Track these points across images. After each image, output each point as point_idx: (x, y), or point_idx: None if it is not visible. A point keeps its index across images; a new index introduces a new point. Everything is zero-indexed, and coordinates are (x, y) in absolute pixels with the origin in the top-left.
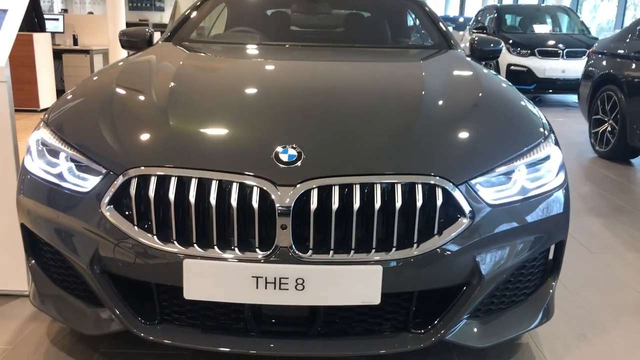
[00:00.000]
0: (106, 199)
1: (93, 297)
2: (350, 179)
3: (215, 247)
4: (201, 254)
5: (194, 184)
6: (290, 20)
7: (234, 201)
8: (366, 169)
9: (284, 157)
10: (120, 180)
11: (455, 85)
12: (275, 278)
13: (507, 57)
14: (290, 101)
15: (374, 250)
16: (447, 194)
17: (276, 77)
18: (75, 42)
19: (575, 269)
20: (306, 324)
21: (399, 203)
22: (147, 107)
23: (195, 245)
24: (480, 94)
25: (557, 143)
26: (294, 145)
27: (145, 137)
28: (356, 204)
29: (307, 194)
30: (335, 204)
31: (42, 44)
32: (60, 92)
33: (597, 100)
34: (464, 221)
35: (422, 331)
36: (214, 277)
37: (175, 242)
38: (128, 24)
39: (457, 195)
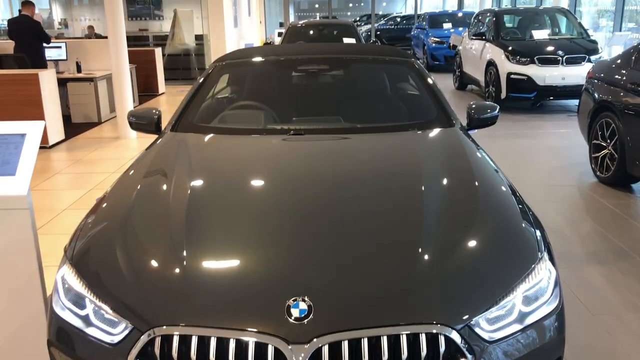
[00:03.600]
0: (134, 354)
1: None
2: (359, 333)
3: None
4: None
5: (213, 344)
6: (292, 93)
7: (250, 359)
8: (373, 322)
9: (295, 312)
10: (145, 338)
11: (454, 198)
12: None
13: (506, 66)
14: (299, 238)
15: None
16: (447, 340)
17: (281, 201)
18: (79, 69)
19: (577, 336)
20: None
21: (405, 354)
22: (165, 250)
23: None
24: (478, 210)
25: (551, 255)
26: (305, 298)
27: (165, 292)
28: (365, 359)
29: (319, 350)
30: (345, 359)
31: (47, 82)
32: (66, 118)
33: (596, 125)
34: None
35: None
36: None
37: None
38: (129, 37)
39: (458, 338)
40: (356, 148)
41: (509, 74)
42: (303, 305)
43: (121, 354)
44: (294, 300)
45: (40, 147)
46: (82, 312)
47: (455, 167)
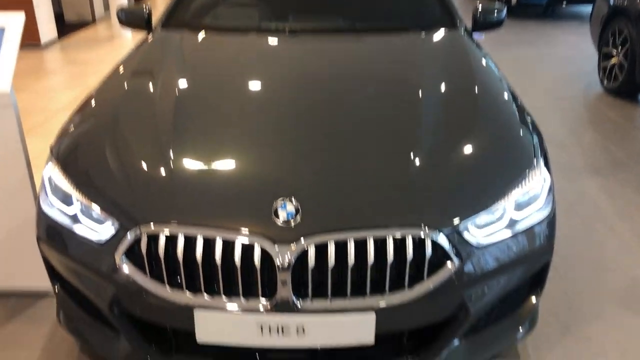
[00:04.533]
0: (120, 252)
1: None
2: (345, 235)
3: (223, 297)
4: (210, 304)
5: (200, 243)
6: None
7: (237, 259)
8: (360, 223)
9: (283, 214)
10: (132, 236)
11: (452, 103)
12: (278, 326)
13: None
14: (289, 139)
15: (369, 298)
16: (434, 243)
17: (273, 102)
18: None
19: (568, 244)
20: (309, 352)
21: (390, 257)
22: (152, 148)
23: (204, 296)
24: (475, 116)
25: (546, 162)
26: (292, 200)
27: (151, 190)
28: (351, 260)
29: (305, 251)
30: (331, 260)
31: None
32: (59, 17)
33: (608, 32)
34: (452, 266)
35: (414, 357)
36: (223, 325)
37: (186, 293)
38: None
39: (446, 242)
40: (354, 49)
41: None
42: (290, 207)
43: (108, 251)
44: (281, 201)
45: (32, 46)
46: (70, 211)
47: (456, 71)
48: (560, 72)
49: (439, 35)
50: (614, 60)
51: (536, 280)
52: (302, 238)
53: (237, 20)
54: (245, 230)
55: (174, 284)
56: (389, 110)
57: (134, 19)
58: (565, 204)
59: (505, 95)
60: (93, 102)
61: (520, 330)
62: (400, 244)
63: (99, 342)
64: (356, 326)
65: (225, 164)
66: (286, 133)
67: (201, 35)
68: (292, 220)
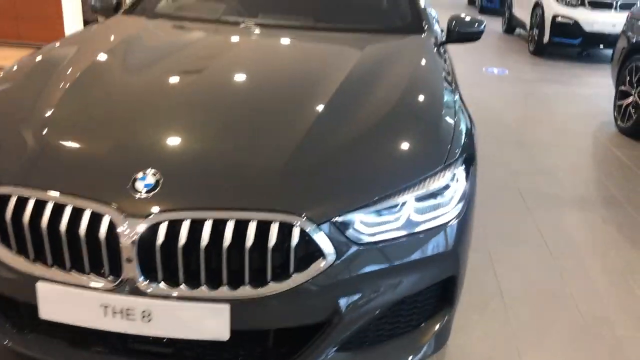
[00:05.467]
0: None
1: None
2: (202, 214)
3: (69, 272)
4: (52, 276)
5: (48, 209)
6: None
7: (82, 229)
8: (221, 204)
9: (140, 186)
10: None
11: (369, 100)
12: (122, 308)
13: (553, 7)
14: (168, 117)
15: (224, 287)
16: (304, 234)
17: (173, 87)
18: None
19: (526, 275)
20: (168, 346)
21: (249, 242)
22: (35, 113)
23: (50, 268)
24: (389, 112)
25: (467, 167)
26: (154, 172)
27: (14, 152)
28: (203, 242)
29: (155, 227)
30: (182, 240)
31: None
32: (87, 24)
33: (626, 70)
34: (323, 262)
35: None
36: (65, 302)
37: (31, 263)
38: None
39: (317, 235)
40: (296, 45)
41: (555, 16)
42: (150, 179)
43: None
44: (142, 173)
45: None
46: None
47: (393, 71)
48: (577, 110)
49: (398, 38)
50: (629, 100)
51: (443, 298)
52: (154, 214)
53: (197, 12)
54: (95, 199)
55: (23, 252)
56: (292, 101)
57: (104, 6)
58: (538, 238)
59: (439, 101)
60: (14, 67)
61: (421, 351)
62: (266, 231)
63: None
64: (208, 318)
65: (97, 135)
66: (170, 113)
67: (151, 22)
68: (148, 194)
